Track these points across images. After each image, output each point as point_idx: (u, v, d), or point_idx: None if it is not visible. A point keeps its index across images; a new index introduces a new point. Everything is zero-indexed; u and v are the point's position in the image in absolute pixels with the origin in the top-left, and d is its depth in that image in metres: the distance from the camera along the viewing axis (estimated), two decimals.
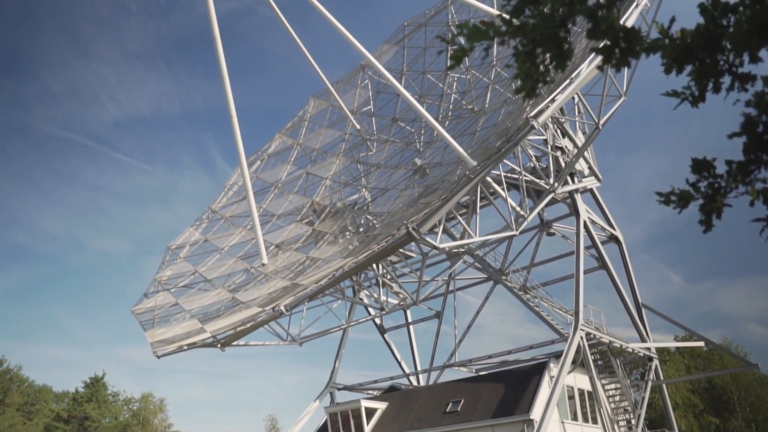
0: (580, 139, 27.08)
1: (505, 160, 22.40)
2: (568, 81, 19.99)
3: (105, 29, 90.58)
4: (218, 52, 23.12)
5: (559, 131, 26.57)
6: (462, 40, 3.34)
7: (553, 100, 20.11)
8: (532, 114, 19.69)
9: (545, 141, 26.10)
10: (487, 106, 30.92)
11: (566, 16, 3.04)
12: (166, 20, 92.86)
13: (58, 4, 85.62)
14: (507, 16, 3.23)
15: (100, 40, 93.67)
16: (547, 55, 3.22)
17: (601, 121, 23.99)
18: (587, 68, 20.41)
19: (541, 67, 3.23)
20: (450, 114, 33.11)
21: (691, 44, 3.42)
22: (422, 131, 34.19)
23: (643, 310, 29.00)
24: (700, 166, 3.63)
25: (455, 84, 34.28)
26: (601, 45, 3.25)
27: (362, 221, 30.93)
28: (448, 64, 3.72)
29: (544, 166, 26.45)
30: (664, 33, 3.44)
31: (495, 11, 30.40)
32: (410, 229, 19.08)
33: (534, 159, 25.89)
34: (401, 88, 24.31)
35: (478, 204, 22.67)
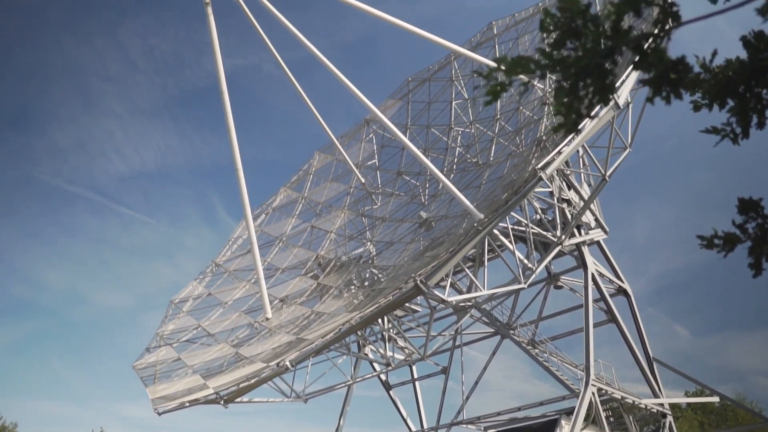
0: (585, 191, 27.03)
1: (511, 213, 22.31)
2: (573, 133, 20.01)
3: (113, 85, 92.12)
4: (225, 107, 23.27)
5: (564, 183, 26.53)
6: (500, 74, 3.19)
7: (560, 152, 20.11)
8: (539, 166, 19.65)
9: (551, 193, 26.03)
10: (491, 159, 31.01)
11: (613, 48, 2.91)
12: (173, 77, 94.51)
13: (69, 60, 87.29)
14: (547, 49, 3.10)
15: (109, 95, 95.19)
16: (590, 89, 3.08)
17: (608, 173, 23.94)
18: (594, 120, 20.50)
19: (586, 100, 3.08)
20: (455, 167, 33.20)
21: (733, 78, 3.29)
22: (427, 184, 34.24)
23: (655, 365, 28.41)
24: (747, 207, 3.45)
25: (459, 138, 34.49)
26: (649, 77, 3.11)
27: (367, 275, 30.66)
28: (485, 100, 3.62)
29: (550, 218, 26.32)
30: (705, 67, 3.32)
31: None
32: (418, 282, 18.82)
33: (540, 211, 25.80)
34: (405, 140, 24.38)
35: (486, 256, 22.41)
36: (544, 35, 3.15)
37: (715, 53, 3.33)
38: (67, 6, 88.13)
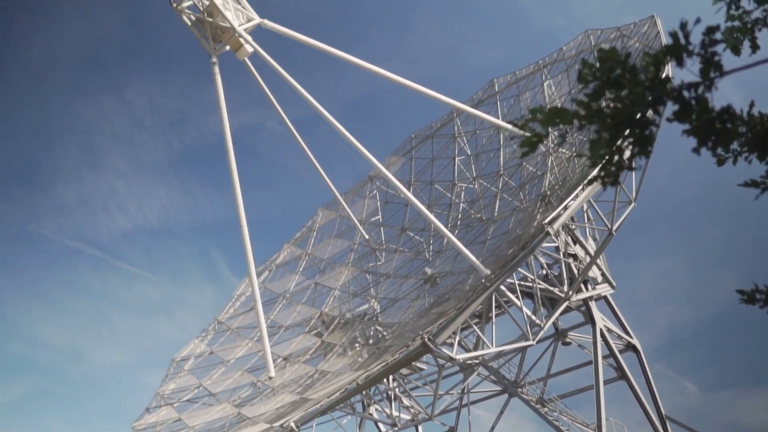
0: (591, 246, 26.88)
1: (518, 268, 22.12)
2: (580, 187, 20.03)
3: (118, 143, 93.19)
4: (230, 164, 23.37)
5: (570, 238, 26.42)
6: (536, 125, 3.10)
7: (566, 207, 20.07)
8: (546, 221, 19.58)
9: (556, 248, 25.91)
10: (496, 214, 30.99)
11: (657, 98, 2.83)
12: (177, 134, 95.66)
13: (75, 118, 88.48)
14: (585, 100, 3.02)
15: (114, 153, 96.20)
16: (628, 141, 2.99)
17: (614, 227, 23.85)
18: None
19: (627, 152, 2.99)
20: (459, 223, 33.16)
21: None
22: (431, 240, 34.14)
23: (668, 423, 27.73)
24: None
25: (463, 193, 34.57)
26: (692, 127, 3.02)
27: (372, 332, 30.28)
28: (521, 151, 3.51)
29: (556, 273, 26.11)
30: (741, 119, 3.23)
31: (501, 122, 31.11)
32: (426, 339, 18.51)
33: (546, 266, 25.62)
34: (410, 195, 24.38)
35: (494, 313, 22.12)
36: (581, 85, 3.09)
37: (752, 104, 3.26)
38: (76, 65, 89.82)
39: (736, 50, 4.24)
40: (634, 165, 3.14)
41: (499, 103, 35.06)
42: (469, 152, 35.68)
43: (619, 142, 3.06)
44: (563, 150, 28.67)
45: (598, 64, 2.94)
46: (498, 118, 32.61)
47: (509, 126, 30.96)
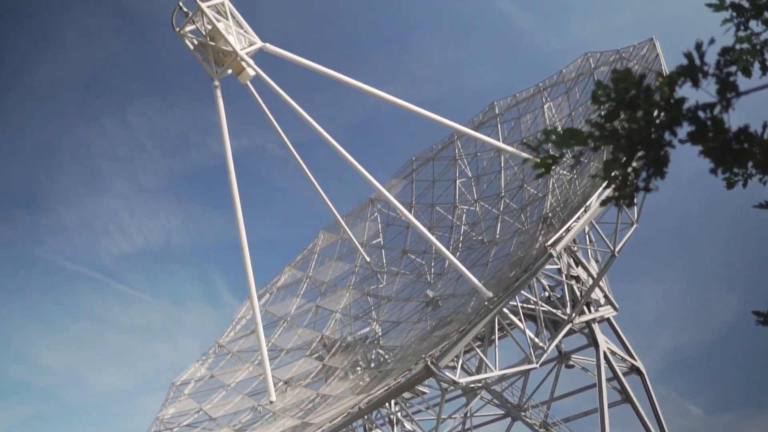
0: (593, 267, 26.78)
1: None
2: (582, 209, 20.02)
3: (120, 165, 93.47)
4: (232, 186, 23.40)
5: (572, 260, 26.33)
6: (549, 147, 3.07)
7: (569, 228, 20.02)
8: (549, 243, 19.53)
9: (559, 270, 25.80)
10: (497, 236, 30.93)
11: (674, 119, 2.80)
12: (179, 157, 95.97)
13: (77, 141, 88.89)
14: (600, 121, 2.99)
15: (115, 175, 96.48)
16: (643, 162, 2.96)
17: (617, 249, 23.78)
18: (600, 197, 20.52)
19: (643, 173, 2.95)
20: (460, 245, 33.08)
21: None
22: (433, 263, 34.03)
23: None
24: None
25: (464, 216, 34.53)
26: (708, 148, 3.00)
27: (373, 356, 30.08)
28: (536, 173, 3.51)
29: (559, 296, 25.99)
30: (759, 140, 3.20)
31: (501, 144, 31.19)
32: (429, 363, 18.35)
33: (548, 288, 25.50)
34: (411, 217, 24.37)
35: (496, 335, 21.96)
36: (596, 107, 3.06)
37: (765, 125, 3.23)
38: (78, 88, 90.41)
39: (747, 72, 4.22)
40: (651, 186, 3.11)
41: (499, 125, 35.14)
42: (470, 174, 35.71)
43: (634, 164, 3.03)
44: (564, 172, 28.69)
45: (612, 85, 2.92)
46: (499, 140, 32.66)
47: (510, 148, 31.05)
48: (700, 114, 2.89)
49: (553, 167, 3.14)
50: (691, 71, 2.87)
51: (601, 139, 3.01)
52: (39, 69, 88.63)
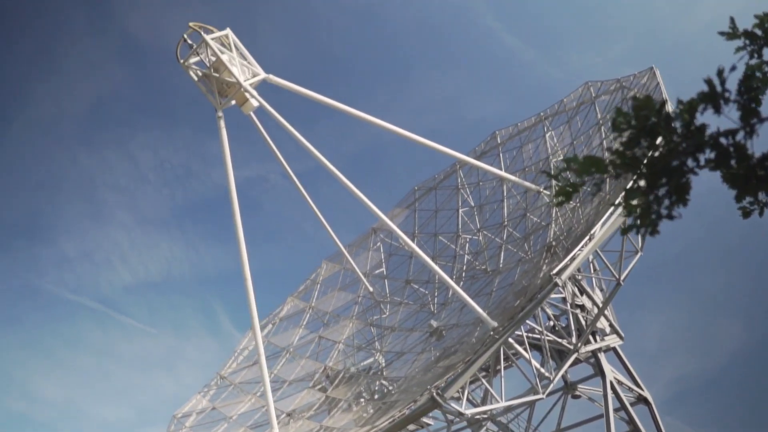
0: (597, 296, 26.61)
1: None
2: (587, 237, 19.97)
3: (123, 196, 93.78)
4: (235, 217, 23.38)
5: (576, 288, 26.18)
6: (570, 175, 3.02)
7: (574, 257, 19.94)
8: (554, 271, 19.43)
9: (563, 299, 25.64)
10: (501, 265, 30.81)
11: (698, 145, 2.76)
12: (181, 187, 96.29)
13: (80, 171, 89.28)
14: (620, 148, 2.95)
15: (117, 206, 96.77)
16: (664, 190, 2.91)
17: (622, 277, 23.65)
18: (605, 226, 20.49)
19: (666, 201, 2.90)
20: (464, 275, 32.95)
21: None
22: (436, 292, 33.88)
23: None
24: None
25: (467, 245, 34.45)
26: (729, 174, 2.95)
27: (377, 387, 29.79)
28: (556, 200, 3.45)
29: (564, 325, 25.81)
30: None
31: (504, 173, 31.25)
32: (434, 394, 18.16)
33: (553, 317, 25.31)
34: (414, 246, 24.31)
35: (502, 366, 21.75)
36: (616, 134, 3.02)
37: None
38: (81, 119, 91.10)
39: (757, 101, 4.20)
40: (674, 214, 3.05)
41: (501, 154, 35.22)
42: (472, 203, 35.71)
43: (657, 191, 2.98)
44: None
45: (632, 112, 2.88)
46: (501, 169, 32.72)
47: (513, 177, 31.11)
48: (722, 140, 2.87)
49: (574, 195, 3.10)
50: (712, 97, 2.84)
51: (622, 166, 2.97)
52: (43, 100, 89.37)
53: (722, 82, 2.85)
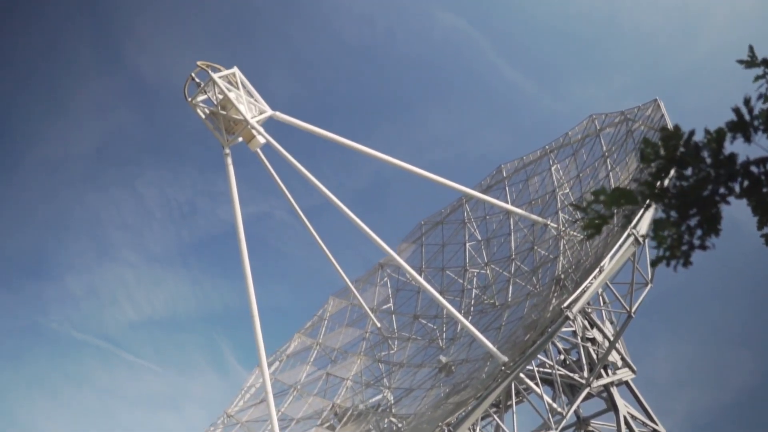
0: (608, 329, 26.34)
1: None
2: (597, 269, 19.83)
3: (129, 234, 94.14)
4: (242, 253, 23.35)
5: (587, 322, 25.94)
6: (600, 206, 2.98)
7: (584, 290, 19.79)
8: (565, 305, 19.26)
9: (574, 332, 25.39)
10: (509, 299, 30.61)
11: (730, 175, 2.73)
12: (187, 225, 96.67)
13: (87, 209, 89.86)
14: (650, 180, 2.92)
15: (123, 243, 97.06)
16: (695, 220, 2.86)
17: (632, 309, 23.42)
18: (614, 258, 20.38)
19: (698, 231, 2.86)
20: (472, 309, 32.73)
21: None
22: (444, 327, 33.60)
23: None
24: None
25: (475, 279, 34.28)
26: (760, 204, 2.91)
27: (386, 424, 29.37)
28: (586, 233, 3.40)
29: (575, 359, 25.51)
30: None
31: (510, 207, 31.24)
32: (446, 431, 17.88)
33: (564, 351, 25.03)
34: (422, 281, 24.20)
35: (514, 401, 21.44)
36: (644, 165, 2.99)
37: None
38: (88, 158, 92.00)
39: None
40: (707, 244, 3.00)
41: (507, 188, 35.25)
42: (479, 237, 35.63)
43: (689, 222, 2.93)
44: (575, 233, 28.60)
45: (660, 143, 2.85)
46: (507, 202, 32.73)
47: (519, 210, 31.09)
48: (753, 169, 2.84)
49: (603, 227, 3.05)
50: (742, 126, 2.82)
51: (651, 197, 2.94)
52: (51, 140, 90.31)
53: (749, 111, 2.83)
